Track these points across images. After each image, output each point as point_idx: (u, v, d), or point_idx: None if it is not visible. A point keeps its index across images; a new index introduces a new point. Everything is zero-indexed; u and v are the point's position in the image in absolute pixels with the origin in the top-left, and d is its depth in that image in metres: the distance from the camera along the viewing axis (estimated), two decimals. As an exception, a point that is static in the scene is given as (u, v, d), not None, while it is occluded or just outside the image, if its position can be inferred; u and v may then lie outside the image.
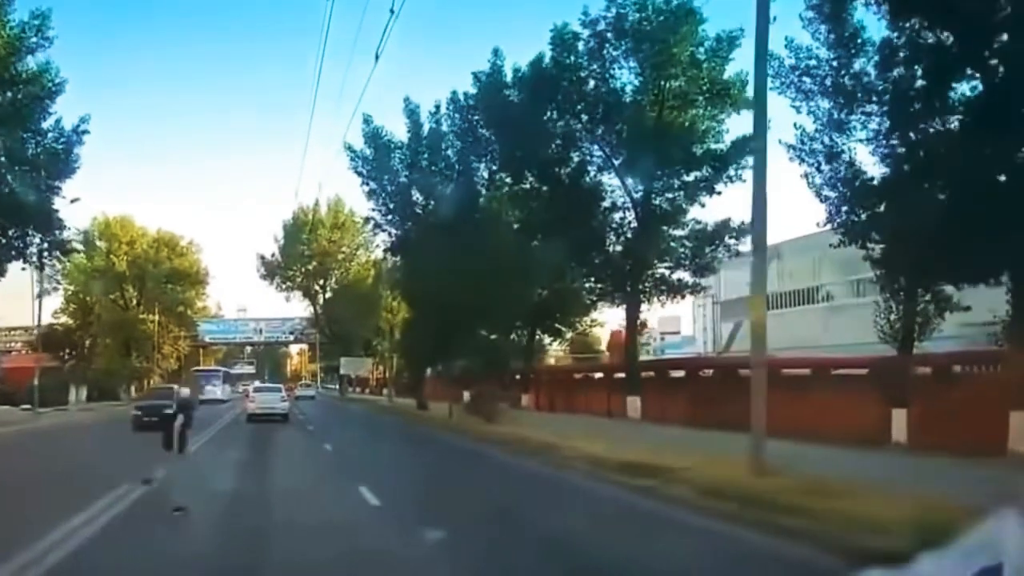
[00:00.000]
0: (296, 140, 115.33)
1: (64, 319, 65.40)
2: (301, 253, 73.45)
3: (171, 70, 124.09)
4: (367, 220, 30.79)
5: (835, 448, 14.20)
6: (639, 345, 29.88)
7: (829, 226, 17.46)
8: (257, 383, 51.46)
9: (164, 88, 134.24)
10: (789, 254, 39.89)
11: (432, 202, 29.22)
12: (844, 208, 16.38)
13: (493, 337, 25.73)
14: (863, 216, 16.24)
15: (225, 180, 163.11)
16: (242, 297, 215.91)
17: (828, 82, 16.15)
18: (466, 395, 26.77)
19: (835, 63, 16.01)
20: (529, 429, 19.32)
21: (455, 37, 62.65)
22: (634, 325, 28.77)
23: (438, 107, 29.09)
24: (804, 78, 16.35)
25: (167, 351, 72.51)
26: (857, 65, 15.79)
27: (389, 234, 31.13)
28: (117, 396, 56.38)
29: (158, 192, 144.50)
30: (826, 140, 16.42)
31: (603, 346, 58.23)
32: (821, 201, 16.51)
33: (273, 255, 75.54)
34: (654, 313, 35.72)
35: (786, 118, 17.49)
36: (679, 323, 67.06)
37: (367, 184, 29.71)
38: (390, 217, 30.36)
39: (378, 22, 31.62)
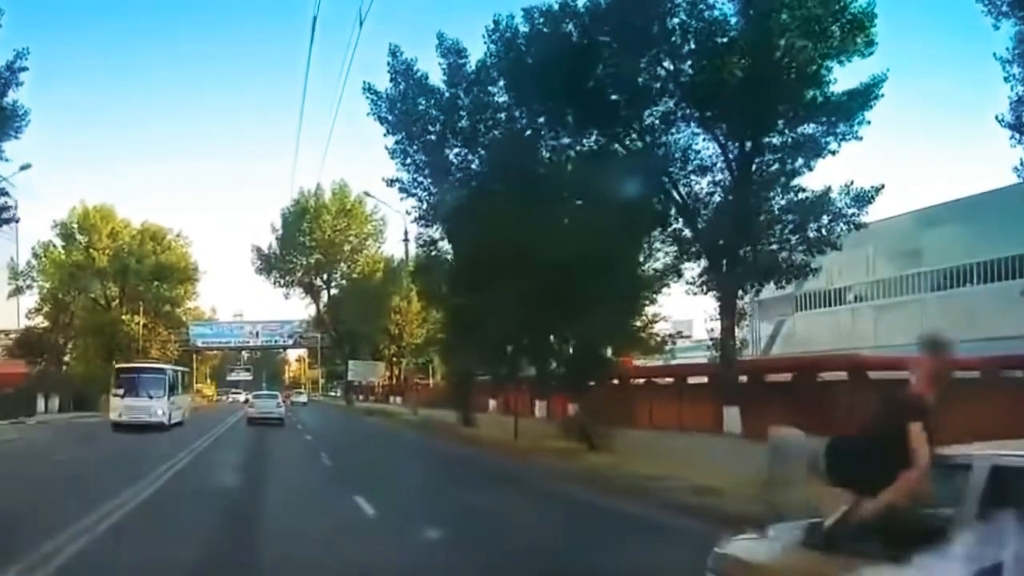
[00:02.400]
0: (290, 123, 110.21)
1: (39, 320, 60.05)
2: (302, 243, 66.26)
3: (150, 50, 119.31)
4: (391, 182, 24.82)
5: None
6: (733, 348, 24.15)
7: None
8: (252, 395, 48.83)
9: (145, 73, 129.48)
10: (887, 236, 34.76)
11: (478, 160, 23.49)
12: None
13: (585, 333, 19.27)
14: None
15: (217, 176, 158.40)
16: (238, 302, 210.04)
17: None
18: (542, 407, 21.45)
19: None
20: (644, 459, 13.82)
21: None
22: (732, 316, 23.12)
23: (488, 54, 23.26)
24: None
25: (154, 356, 66.81)
26: None
27: (419, 200, 25.16)
28: (95, 406, 50.77)
29: (145, 190, 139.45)
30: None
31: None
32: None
33: (271, 247, 68.29)
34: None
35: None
36: (691, 326, 61.41)
37: (392, 134, 23.85)
38: (422, 178, 24.52)
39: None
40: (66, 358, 58.08)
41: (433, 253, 31.01)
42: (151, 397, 28.65)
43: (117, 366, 33.56)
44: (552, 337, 19.75)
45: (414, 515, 10.40)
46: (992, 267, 33.71)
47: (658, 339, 22.09)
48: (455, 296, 23.91)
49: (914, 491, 3.79)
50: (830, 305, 42.78)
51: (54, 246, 62.43)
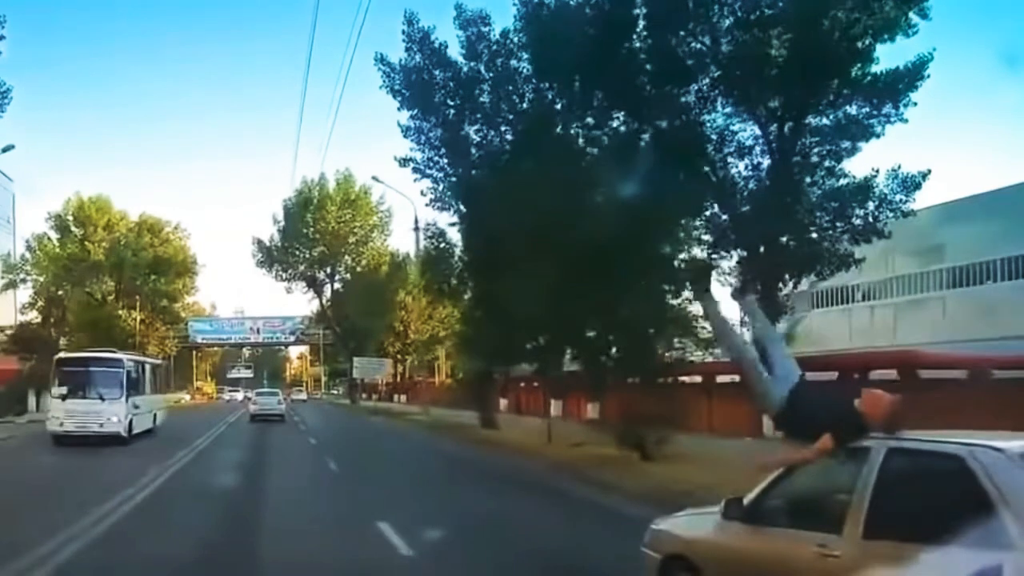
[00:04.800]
0: (291, 115, 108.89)
1: (33, 315, 58.93)
2: (305, 235, 63.92)
3: (147, 36, 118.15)
4: (404, 161, 23.36)
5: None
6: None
7: None
8: (255, 392, 48.83)
9: (143, 62, 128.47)
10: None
11: (499, 138, 22.05)
12: None
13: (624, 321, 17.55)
14: None
15: (216, 170, 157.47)
16: (239, 299, 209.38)
17: None
18: (556, 407, 19.91)
19: None
20: (706, 469, 12.33)
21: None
22: (775, 308, 21.69)
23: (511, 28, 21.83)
24: None
25: (152, 352, 65.66)
26: None
27: (434, 180, 23.68)
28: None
29: (144, 186, 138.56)
30: None
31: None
32: None
33: (272, 239, 65.79)
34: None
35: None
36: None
37: (407, 108, 22.40)
38: (438, 157, 23.04)
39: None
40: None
41: (442, 245, 29.75)
42: (103, 399, 21.59)
43: (57, 356, 25.49)
44: (594, 327, 18.04)
45: (458, 551, 8.57)
46: (1017, 264, 32.65)
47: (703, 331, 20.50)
48: (477, 284, 22.49)
49: (798, 463, 4.67)
50: (846, 302, 41.65)
51: (49, 239, 61.38)
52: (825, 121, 22.71)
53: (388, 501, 11.87)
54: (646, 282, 16.10)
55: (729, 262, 23.40)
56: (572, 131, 21.91)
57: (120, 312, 59.41)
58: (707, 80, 22.78)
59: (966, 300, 33.43)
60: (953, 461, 3.68)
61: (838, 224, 22.76)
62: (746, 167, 23.15)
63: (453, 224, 25.88)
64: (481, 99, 22.11)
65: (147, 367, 27.55)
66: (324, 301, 68.81)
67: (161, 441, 23.28)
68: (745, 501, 4.79)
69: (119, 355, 24.22)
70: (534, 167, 17.82)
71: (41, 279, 58.77)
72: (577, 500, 12.55)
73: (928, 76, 22.14)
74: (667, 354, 17.72)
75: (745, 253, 22.66)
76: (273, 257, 65.11)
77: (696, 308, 20.61)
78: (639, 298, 16.09)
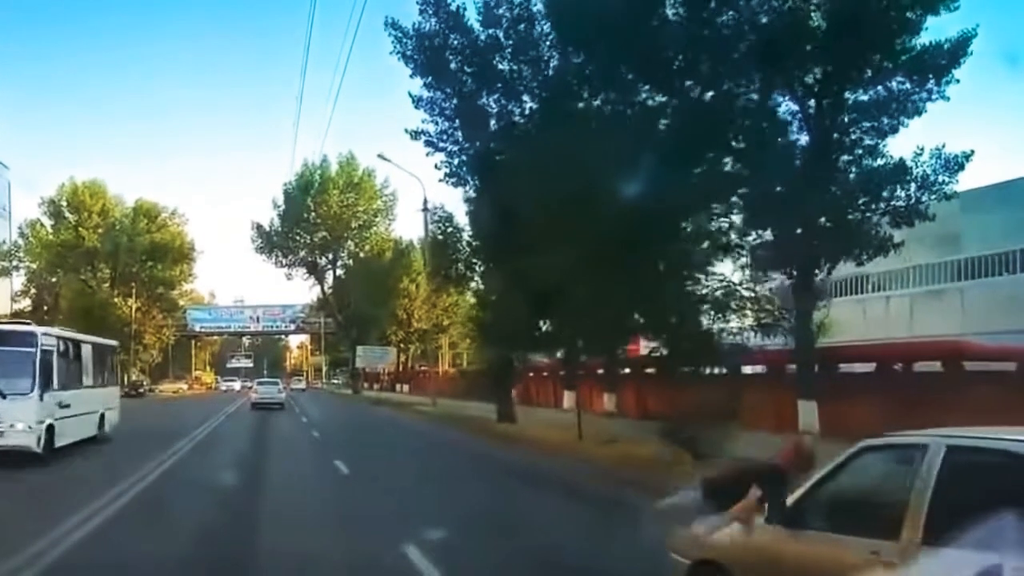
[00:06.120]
0: (289, 104, 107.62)
1: (27, 303, 57.90)
2: (307, 220, 62.20)
3: (141, 17, 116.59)
4: (416, 134, 22.08)
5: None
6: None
7: None
8: (256, 381, 49.72)
9: (139, 46, 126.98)
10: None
11: (518, 107, 20.84)
12: None
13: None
14: None
15: (216, 159, 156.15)
16: (239, 288, 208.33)
17: None
18: (569, 398, 18.60)
19: None
20: None
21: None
22: (810, 294, 20.59)
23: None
24: None
25: (149, 341, 64.66)
26: None
27: (448, 154, 22.43)
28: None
29: (143, 177, 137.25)
30: None
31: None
32: None
33: (272, 224, 63.92)
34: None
35: None
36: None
37: (420, 76, 21.15)
38: (453, 129, 21.83)
39: None
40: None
41: (449, 229, 28.55)
42: (1, 395, 14.51)
43: None
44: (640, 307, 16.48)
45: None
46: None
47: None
48: (497, 263, 21.21)
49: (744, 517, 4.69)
50: (859, 292, 40.70)
51: (41, 225, 60.29)
52: (864, 97, 21.60)
53: (412, 516, 9.79)
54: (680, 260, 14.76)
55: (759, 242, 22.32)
56: (597, 103, 20.71)
57: (115, 300, 58.27)
58: (742, 51, 21.59)
59: (984, 291, 32.51)
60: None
61: (879, 205, 21.60)
62: (782, 144, 22.00)
63: (469, 199, 24.69)
64: (500, 67, 20.88)
65: (86, 349, 18.99)
66: (326, 288, 67.52)
67: (108, 455, 17.01)
68: (788, 502, 4.55)
69: (31, 328, 16.26)
70: (561, 138, 16.49)
71: (34, 266, 57.63)
72: (638, 511, 8.81)
73: (971, 53, 21.08)
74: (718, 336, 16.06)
75: (778, 234, 21.53)
76: (273, 242, 63.45)
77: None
78: (675, 277, 14.82)
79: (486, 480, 14.73)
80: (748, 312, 18.33)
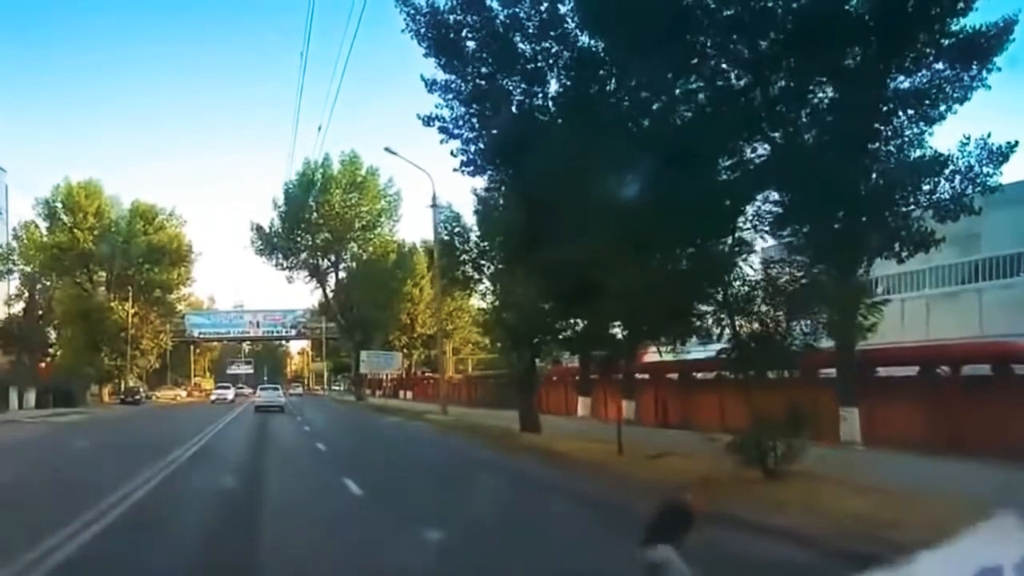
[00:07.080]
0: (289, 102, 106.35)
1: (21, 308, 56.70)
2: (308, 220, 60.59)
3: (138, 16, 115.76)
4: (429, 120, 20.77)
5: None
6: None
7: None
8: (259, 387, 55.35)
9: (136, 46, 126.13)
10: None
11: (541, 91, 19.66)
12: None
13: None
14: None
15: (214, 162, 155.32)
16: (239, 295, 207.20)
17: None
18: (584, 405, 17.23)
19: None
20: (857, 494, 9.40)
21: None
22: (854, 292, 19.38)
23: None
24: None
25: (147, 346, 63.38)
26: None
27: (464, 141, 21.15)
28: (80, 401, 47.37)
29: (142, 182, 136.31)
30: None
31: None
32: None
33: (272, 225, 62.26)
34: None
35: None
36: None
37: (433, 56, 19.89)
38: (470, 114, 20.59)
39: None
40: (52, 349, 54.92)
41: (456, 229, 27.97)
42: None
43: None
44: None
45: None
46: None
47: None
48: (519, 258, 19.97)
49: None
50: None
51: (36, 227, 59.14)
52: (906, 84, 20.45)
53: (448, 558, 7.77)
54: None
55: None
56: (626, 89, 19.59)
57: (112, 304, 57.08)
58: (780, 35, 20.45)
59: (1005, 294, 31.48)
60: None
61: (922, 199, 20.41)
62: (820, 132, 20.87)
63: (481, 194, 23.55)
64: (521, 46, 19.70)
65: None
66: (328, 291, 66.06)
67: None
68: None
69: None
70: (590, 124, 15.29)
71: (27, 269, 56.47)
72: (725, 549, 7.38)
73: (1015, 39, 20.05)
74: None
75: (812, 228, 20.40)
76: (273, 244, 61.87)
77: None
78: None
79: (523, 505, 12.32)
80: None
